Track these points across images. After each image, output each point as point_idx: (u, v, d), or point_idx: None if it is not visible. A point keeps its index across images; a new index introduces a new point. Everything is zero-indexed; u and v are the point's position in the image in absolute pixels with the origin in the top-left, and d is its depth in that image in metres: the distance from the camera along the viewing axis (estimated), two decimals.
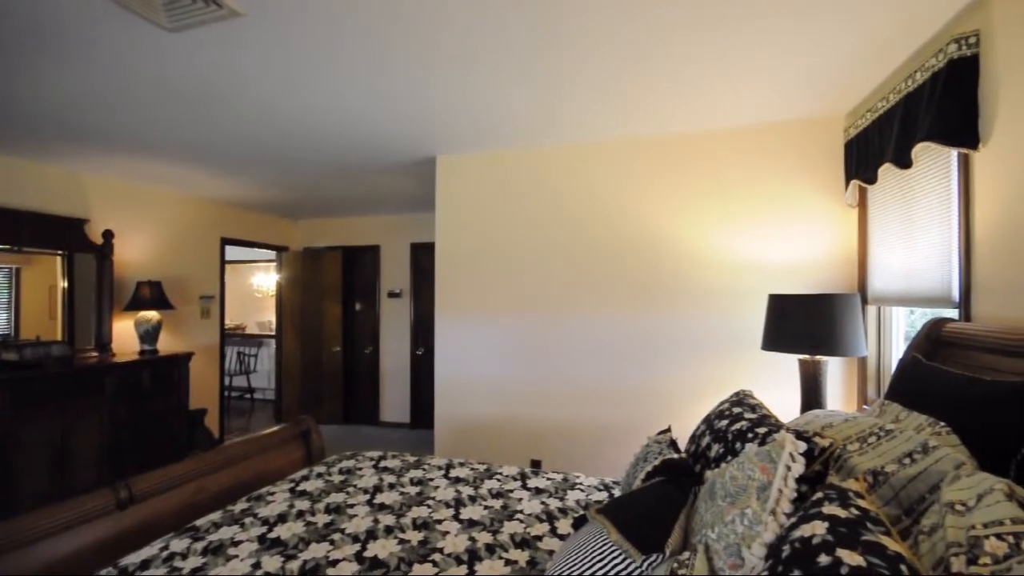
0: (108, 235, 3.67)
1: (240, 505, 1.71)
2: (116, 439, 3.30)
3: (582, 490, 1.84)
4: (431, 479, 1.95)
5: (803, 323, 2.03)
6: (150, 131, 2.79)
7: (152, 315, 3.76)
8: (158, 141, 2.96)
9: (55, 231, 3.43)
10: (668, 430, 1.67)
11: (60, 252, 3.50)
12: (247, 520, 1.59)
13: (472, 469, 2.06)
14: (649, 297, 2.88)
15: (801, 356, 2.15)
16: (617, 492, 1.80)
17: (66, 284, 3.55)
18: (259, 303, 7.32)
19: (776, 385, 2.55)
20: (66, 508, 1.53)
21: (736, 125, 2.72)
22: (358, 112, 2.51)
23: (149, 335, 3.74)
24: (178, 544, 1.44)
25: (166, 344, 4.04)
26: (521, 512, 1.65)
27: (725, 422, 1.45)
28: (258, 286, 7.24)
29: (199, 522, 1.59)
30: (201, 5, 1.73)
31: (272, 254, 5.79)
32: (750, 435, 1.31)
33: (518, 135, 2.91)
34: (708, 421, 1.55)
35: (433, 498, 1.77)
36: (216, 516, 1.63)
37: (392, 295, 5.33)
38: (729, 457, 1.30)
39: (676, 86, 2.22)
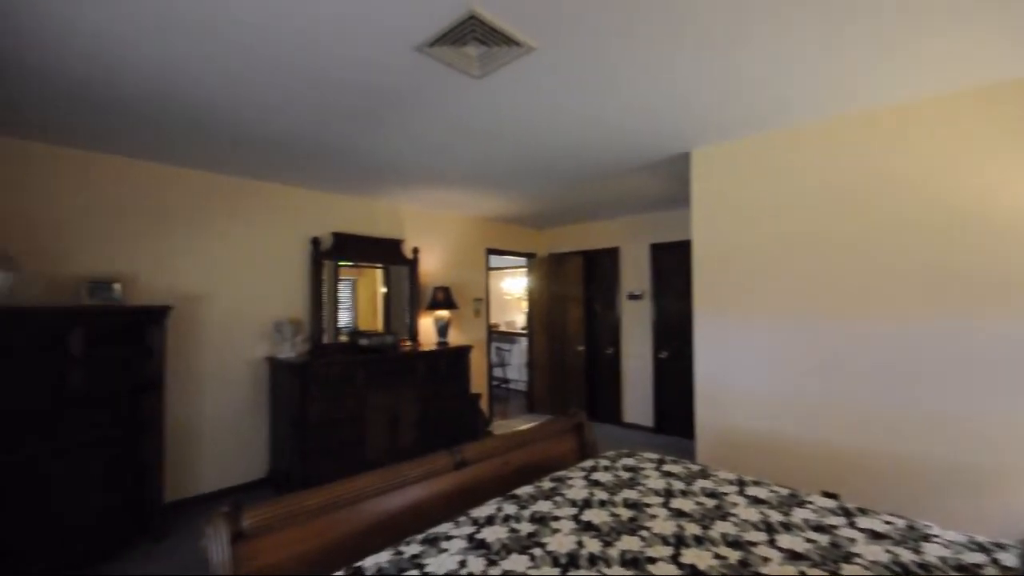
0: (415, 251, 4.67)
1: (547, 483, 1.91)
2: (425, 412, 4.16)
3: (943, 545, 1.43)
4: (724, 493, 1.82)
5: None
6: (444, 166, 3.42)
7: (444, 314, 4.63)
8: (448, 173, 3.61)
9: (381, 250, 4.53)
10: None
11: (381, 266, 4.61)
12: (557, 498, 1.76)
13: (772, 491, 1.83)
14: (999, 296, 2.10)
15: None
16: (1007, 557, 1.33)
17: (385, 290, 4.66)
18: (508, 305, 8.30)
19: None
20: (424, 463, 1.95)
21: None
22: (618, 118, 2.56)
23: (443, 330, 4.61)
24: (509, 508, 1.69)
25: (452, 338, 4.92)
26: (860, 557, 1.37)
27: None
28: (507, 290, 8.22)
29: (519, 491, 1.83)
30: (505, 48, 2.00)
31: (521, 261, 6.47)
32: None
33: (788, 112, 2.52)
34: None
35: (735, 516, 1.63)
36: (530, 489, 1.85)
37: (632, 297, 5.31)
38: None
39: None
